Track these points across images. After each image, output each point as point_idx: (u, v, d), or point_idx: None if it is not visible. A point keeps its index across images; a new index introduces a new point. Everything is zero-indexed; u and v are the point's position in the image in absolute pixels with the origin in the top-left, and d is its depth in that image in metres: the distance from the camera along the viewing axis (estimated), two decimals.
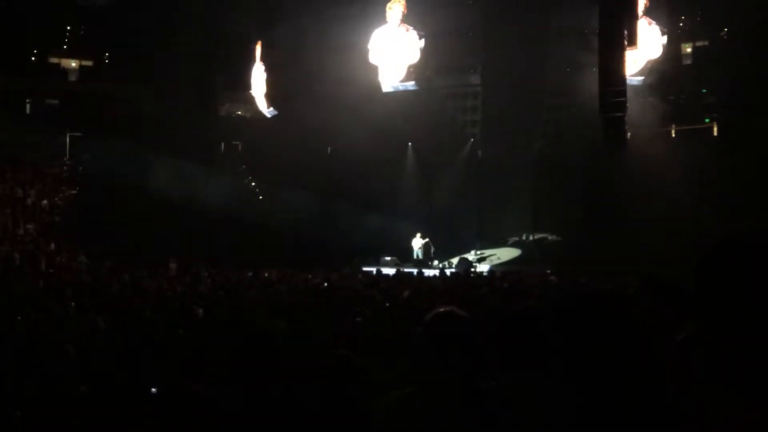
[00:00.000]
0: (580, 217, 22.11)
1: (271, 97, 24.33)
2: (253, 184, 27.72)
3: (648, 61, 20.18)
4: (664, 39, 20.52)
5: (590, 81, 17.24)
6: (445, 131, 26.19)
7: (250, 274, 15.77)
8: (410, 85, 21.95)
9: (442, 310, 2.51)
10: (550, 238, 25.47)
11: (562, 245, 23.88)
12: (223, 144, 29.08)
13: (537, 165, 24.77)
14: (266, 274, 15.62)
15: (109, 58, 30.19)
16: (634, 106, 17.45)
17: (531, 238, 25.93)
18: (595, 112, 15.64)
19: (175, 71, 24.99)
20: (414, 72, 21.65)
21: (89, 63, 30.36)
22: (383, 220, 24.59)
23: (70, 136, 27.01)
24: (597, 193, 21.88)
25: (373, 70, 22.30)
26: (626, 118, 15.55)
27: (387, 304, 8.52)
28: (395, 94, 22.64)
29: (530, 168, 24.97)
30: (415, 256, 23.76)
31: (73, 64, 30.35)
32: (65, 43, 30.26)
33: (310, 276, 14.86)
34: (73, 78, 30.12)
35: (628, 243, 18.91)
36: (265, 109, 24.60)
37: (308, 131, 24.86)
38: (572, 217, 22.52)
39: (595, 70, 15.95)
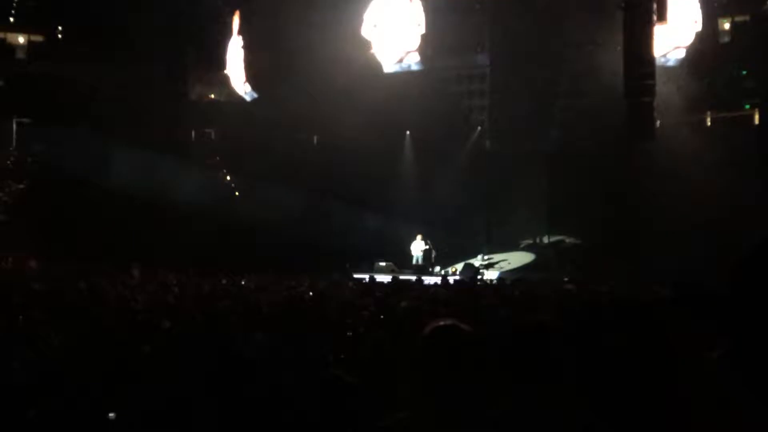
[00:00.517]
0: (601, 218, 22.20)
1: (250, 78, 24.29)
2: (229, 178, 27.66)
3: (680, 39, 20.21)
4: (699, 13, 20.56)
5: (614, 62, 17.28)
6: (449, 119, 26.27)
7: (225, 281, 15.74)
8: (415, 64, 21.91)
9: (441, 323, 2.52)
10: (567, 241, 25.54)
11: (581, 249, 23.98)
12: (193, 132, 28.96)
13: (553, 158, 24.83)
14: (243, 282, 15.59)
15: (62, 32, 30.02)
16: (663, 91, 17.56)
17: (546, 241, 25.98)
18: (619, 97, 15.67)
19: (139, 48, 24.87)
20: (419, 49, 21.60)
21: (39, 38, 30.18)
22: (378, 220, 24.63)
23: (16, 123, 26.85)
24: (621, 189, 21.97)
25: (369, 47, 22.30)
26: (655, 104, 15.59)
27: (382, 317, 8.51)
28: (392, 77, 22.63)
29: (545, 161, 25.03)
30: (414, 262, 23.83)
31: (21, 40, 30.18)
32: (11, 16, 30.07)
33: (293, 284, 14.85)
34: (20, 55, 29.94)
35: (656, 246, 18.98)
36: (243, 91, 24.55)
37: (293, 118, 24.86)
38: (593, 218, 22.61)
39: (620, 49, 16.00)
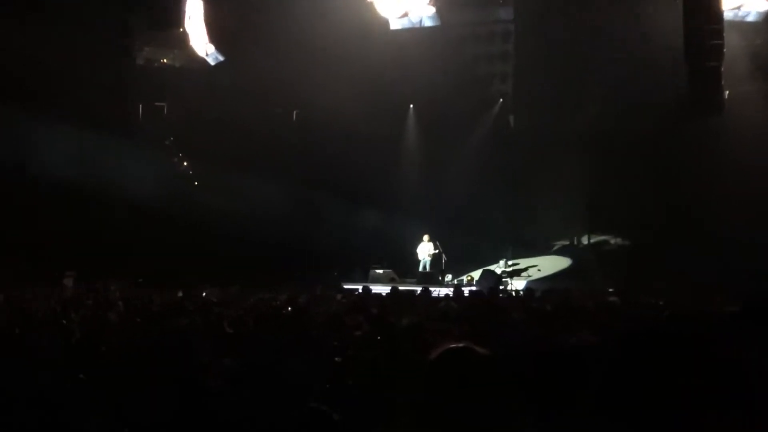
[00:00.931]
0: (654, 213, 22.17)
1: (214, 37, 24.24)
2: (186, 164, 27.61)
3: None
4: None
5: (672, 16, 17.27)
6: (463, 89, 26.20)
7: (181, 294, 15.76)
8: (427, 17, 21.74)
9: (453, 346, 2.53)
10: (612, 242, 25.53)
11: (628, 252, 23.99)
12: (141, 106, 28.87)
13: (594, 138, 24.80)
14: (204, 295, 15.60)
15: None
16: (734, 53, 17.50)
17: (585, 242, 25.97)
18: (678, 61, 15.66)
19: (74, 3, 24.76)
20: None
21: None
22: (374, 216, 24.61)
23: None
24: (679, 177, 21.98)
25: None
26: (723, 69, 15.58)
27: (378, 337, 8.53)
28: (393, 36, 22.59)
29: (584, 142, 25.01)
30: (420, 268, 23.85)
31: None
32: None
33: (268, 297, 14.86)
34: None
35: (722, 249, 18.99)
36: (205, 53, 24.49)
37: (267, 88, 24.79)
38: (644, 213, 22.58)
39: (679, 0, 15.99)
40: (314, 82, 23.45)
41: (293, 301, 13.66)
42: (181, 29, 24.70)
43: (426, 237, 23.97)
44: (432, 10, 21.54)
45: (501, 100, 26.83)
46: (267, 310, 12.40)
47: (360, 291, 16.57)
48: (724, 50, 15.47)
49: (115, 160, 23.73)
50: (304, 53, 23.20)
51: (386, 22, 22.50)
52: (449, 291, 18.00)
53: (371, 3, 21.77)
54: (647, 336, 2.01)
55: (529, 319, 9.76)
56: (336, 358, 7.47)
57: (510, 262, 25.02)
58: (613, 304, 11.99)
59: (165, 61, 29.61)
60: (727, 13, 17.05)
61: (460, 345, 2.54)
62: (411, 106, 27.34)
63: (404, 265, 24.17)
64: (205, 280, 17.96)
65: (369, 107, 24.21)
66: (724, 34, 15.52)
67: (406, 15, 22.00)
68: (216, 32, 24.26)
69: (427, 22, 21.90)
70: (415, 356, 7.20)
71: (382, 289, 16.81)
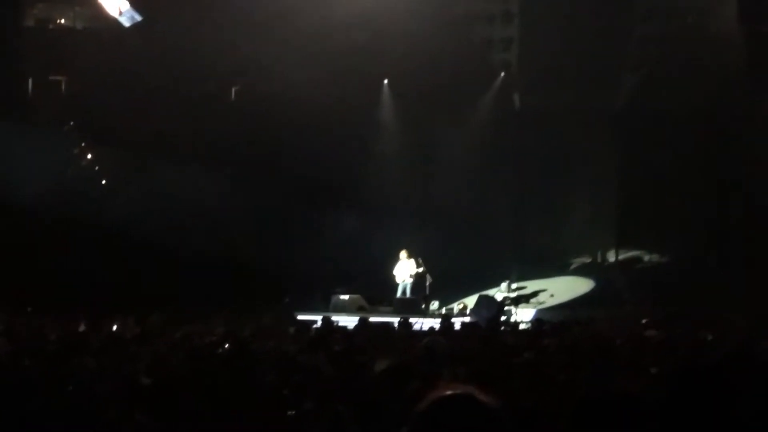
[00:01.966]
0: (704, 221, 22.37)
1: None
2: (91, 156, 27.43)
3: None
4: None
5: None
6: (454, 59, 26.25)
7: (84, 327, 15.65)
8: None
9: (449, 393, 2.52)
10: (646, 258, 25.67)
11: (669, 273, 24.14)
12: (31, 80, 28.70)
13: (624, 122, 24.98)
14: (115, 328, 15.51)
15: None
16: None
17: (612, 259, 26.11)
18: (729, 26, 15.80)
19: None
20: None
21: None
22: (338, 225, 24.59)
23: None
24: (732, 175, 22.20)
25: None
26: None
27: (344, 384, 8.50)
28: None
29: (613, 128, 25.17)
30: (399, 294, 23.83)
31: None
32: None
33: (199, 331, 14.79)
34: None
35: None
36: (117, 11, 24.38)
37: (197, 56, 24.70)
38: (689, 222, 22.77)
39: None
40: (259, 51, 23.49)
41: (233, 337, 13.59)
42: None
43: (405, 253, 23.93)
44: None
45: (503, 73, 26.96)
46: (198, 348, 12.35)
47: (320, 323, 16.52)
48: None
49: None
50: (245, 13, 23.16)
51: None
52: (435, 323, 18.03)
53: None
54: (698, 380, 1.99)
55: (542, 360, 9.76)
56: (289, 412, 7.43)
57: (514, 286, 25.11)
58: (651, 339, 12.04)
59: (63, 21, 29.43)
60: None
61: (459, 391, 2.52)
62: (385, 81, 27.37)
63: (377, 289, 24.22)
64: (115, 309, 17.84)
65: (331, 81, 24.23)
66: None
67: None
68: None
69: None
70: (394, 408, 7.16)
71: (349, 321, 16.78)
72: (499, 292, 24.31)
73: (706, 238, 22.48)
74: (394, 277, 23.93)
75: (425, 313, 21.74)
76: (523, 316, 21.99)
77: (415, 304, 22.88)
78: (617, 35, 24.57)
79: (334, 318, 17.47)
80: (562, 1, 23.97)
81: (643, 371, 8.38)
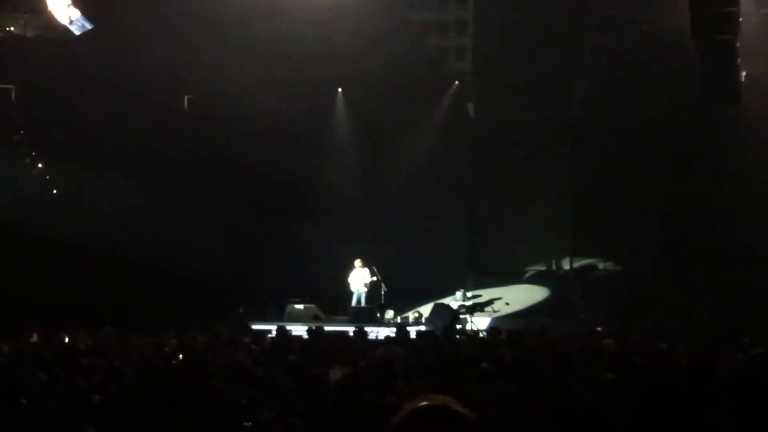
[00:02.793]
0: (658, 228, 22.53)
1: None
2: (41, 165, 27.15)
3: None
4: None
5: None
6: (408, 67, 26.29)
7: (36, 338, 15.45)
8: None
9: (426, 404, 2.51)
10: (601, 266, 25.81)
11: (624, 280, 24.30)
12: None
13: (578, 132, 25.12)
14: (67, 340, 15.30)
15: None
16: (753, 23, 17.89)
17: (567, 267, 26.23)
18: (682, 34, 15.92)
19: None
20: None
21: None
22: (292, 233, 24.47)
23: None
24: (687, 182, 22.36)
25: None
26: (739, 44, 15.91)
27: (299, 395, 8.48)
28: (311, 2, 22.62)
29: (565, 138, 25.29)
30: (353, 303, 23.81)
31: None
32: None
33: (153, 342, 14.67)
34: None
35: (744, 273, 19.36)
36: (67, 19, 24.13)
37: (150, 65, 24.54)
38: (643, 229, 22.93)
39: None
40: (213, 58, 23.36)
41: (186, 348, 13.49)
42: None
43: (359, 262, 23.92)
44: None
45: (456, 82, 26.99)
46: (152, 359, 12.24)
47: (274, 333, 16.48)
48: (740, 20, 15.78)
49: None
50: (199, 20, 23.02)
51: None
52: (391, 332, 18.02)
53: None
54: (663, 396, 1.97)
55: (502, 370, 9.77)
56: (245, 423, 7.36)
57: (470, 294, 25.06)
58: (608, 348, 12.08)
59: (12, 29, 29.15)
60: None
61: (436, 402, 2.51)
62: (339, 90, 27.32)
63: (332, 298, 24.14)
64: (65, 321, 17.63)
65: (284, 90, 24.21)
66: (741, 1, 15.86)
67: None
68: None
69: None
70: (350, 419, 7.13)
71: (303, 330, 16.71)
72: (454, 301, 24.28)
73: (659, 248, 22.61)
74: (348, 286, 23.93)
75: (381, 322, 21.77)
76: (478, 324, 21.98)
77: (370, 313, 22.90)
78: (570, 46, 24.73)
79: (289, 327, 17.44)
80: (516, 11, 24.00)
81: (599, 381, 8.42)
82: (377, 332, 18.27)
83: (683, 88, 17.22)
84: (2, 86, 28.23)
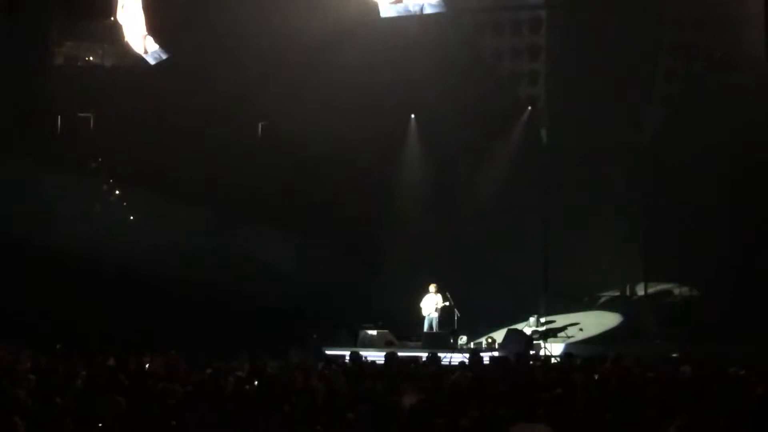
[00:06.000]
0: (730, 255, 22.28)
1: (155, 30, 24.29)
2: (119, 192, 27.50)
3: None
4: None
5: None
6: (480, 94, 26.18)
7: (113, 362, 15.59)
8: (429, 4, 21.79)
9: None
10: (676, 292, 25.40)
11: (698, 305, 23.96)
12: (60, 117, 28.83)
13: (654, 157, 24.83)
14: (148, 366, 15.43)
15: None
16: None
17: (641, 292, 25.88)
18: (755, 59, 15.75)
19: None
20: None
21: None
22: (364, 259, 24.50)
23: None
24: (761, 207, 22.03)
25: None
26: None
27: (375, 420, 8.49)
28: (388, 25, 22.65)
29: (641, 163, 25.00)
30: (426, 328, 23.71)
31: None
32: None
33: (225, 367, 14.71)
34: None
35: None
36: (143, 49, 24.54)
37: (224, 94, 24.77)
38: (716, 255, 22.65)
39: None
40: (285, 87, 23.57)
41: (259, 373, 13.53)
42: (113, 19, 24.75)
43: (433, 287, 23.80)
44: None
45: (530, 107, 26.87)
46: (225, 385, 12.30)
47: (348, 359, 16.49)
48: None
49: (26, 189, 23.60)
50: (271, 51, 23.23)
51: (376, 9, 22.58)
52: (464, 357, 17.94)
53: None
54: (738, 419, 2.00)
55: (576, 396, 9.70)
56: None
57: (543, 320, 24.92)
58: (685, 375, 11.93)
59: (91, 59, 29.62)
60: None
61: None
62: (412, 116, 27.37)
63: (405, 324, 24.08)
64: (140, 345, 17.76)
65: (358, 117, 24.24)
66: None
67: (401, 0, 22.14)
68: (158, 23, 24.31)
69: (428, 9, 21.97)
70: None
71: (377, 356, 16.71)
72: (527, 326, 24.12)
73: (735, 272, 22.23)
74: (421, 311, 23.83)
75: (454, 348, 21.66)
76: (551, 350, 21.81)
77: (443, 339, 22.77)
78: (643, 71, 24.49)
79: (363, 353, 17.45)
80: (588, 35, 23.85)
81: (672, 409, 8.30)
82: (450, 358, 18.19)
83: (757, 112, 16.96)
84: (81, 114, 28.72)
